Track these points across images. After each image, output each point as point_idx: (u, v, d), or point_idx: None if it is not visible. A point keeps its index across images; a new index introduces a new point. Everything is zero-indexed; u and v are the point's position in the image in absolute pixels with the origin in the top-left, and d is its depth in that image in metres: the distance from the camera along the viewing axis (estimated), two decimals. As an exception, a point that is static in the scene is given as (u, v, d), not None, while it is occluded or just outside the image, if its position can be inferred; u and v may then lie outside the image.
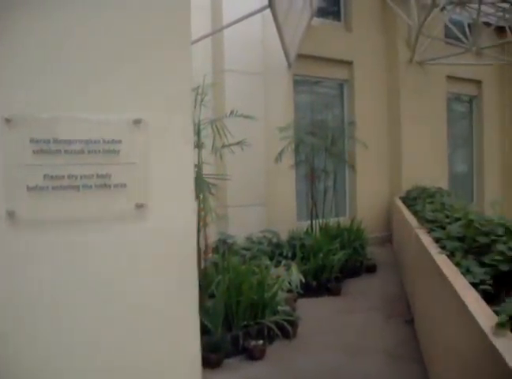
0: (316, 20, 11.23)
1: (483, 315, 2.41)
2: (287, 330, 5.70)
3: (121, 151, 2.26)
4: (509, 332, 2.16)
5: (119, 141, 2.26)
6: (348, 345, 5.69)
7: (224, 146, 6.15)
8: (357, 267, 8.99)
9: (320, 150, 9.54)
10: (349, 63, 11.95)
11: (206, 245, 5.92)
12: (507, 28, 13.69)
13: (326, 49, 11.34)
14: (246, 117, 6.12)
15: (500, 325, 2.14)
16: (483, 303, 2.64)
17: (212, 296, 5.65)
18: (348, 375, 4.88)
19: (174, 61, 2.46)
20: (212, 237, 7.30)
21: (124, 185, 2.28)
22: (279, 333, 5.65)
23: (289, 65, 10.56)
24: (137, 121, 2.29)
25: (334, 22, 12.21)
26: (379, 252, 10.44)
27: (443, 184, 12.80)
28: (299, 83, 11.29)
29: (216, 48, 9.60)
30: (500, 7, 12.79)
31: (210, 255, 6.67)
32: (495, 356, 1.98)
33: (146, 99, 2.35)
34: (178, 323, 2.39)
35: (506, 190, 15.55)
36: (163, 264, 2.37)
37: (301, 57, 10.70)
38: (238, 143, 6.08)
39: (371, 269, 9.24)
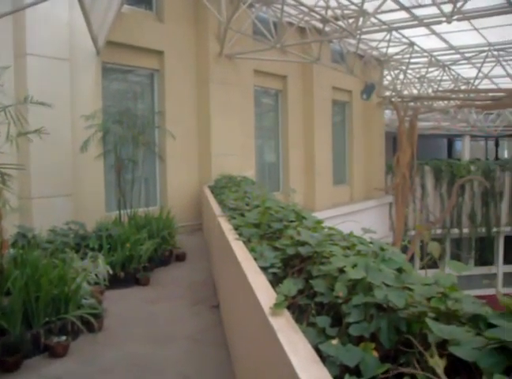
0: (127, 8, 11.02)
1: (267, 297, 2.54)
2: (92, 324, 5.55)
3: None
4: (285, 311, 2.30)
5: None
6: (154, 334, 5.70)
7: (20, 134, 5.79)
8: (166, 256, 9.04)
9: (128, 140, 9.39)
10: (160, 53, 11.90)
11: (2, 240, 5.54)
12: (307, 29, 14.64)
13: (137, 37, 11.19)
14: (42, 104, 5.81)
15: (277, 306, 2.28)
16: (268, 286, 2.79)
17: (9, 294, 5.31)
18: (153, 364, 4.89)
19: None
20: (10, 230, 6.85)
21: None
22: (83, 328, 5.48)
23: (98, 52, 10.24)
24: None
25: (146, 11, 12.06)
26: (190, 240, 10.60)
27: (252, 173, 13.35)
28: (108, 71, 11.01)
29: (17, 30, 9.00)
30: (301, 10, 13.63)
31: (10, 250, 6.27)
32: (272, 334, 2.10)
33: None
34: None
35: (309, 177, 16.67)
36: None
37: (111, 44, 10.43)
38: (35, 131, 5.75)
39: (181, 258, 9.35)
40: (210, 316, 6.22)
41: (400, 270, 2.59)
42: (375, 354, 1.81)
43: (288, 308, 2.46)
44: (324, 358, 1.84)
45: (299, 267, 3.17)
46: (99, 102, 10.17)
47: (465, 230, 24.12)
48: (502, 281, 24.61)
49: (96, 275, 6.92)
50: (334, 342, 1.87)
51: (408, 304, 1.89)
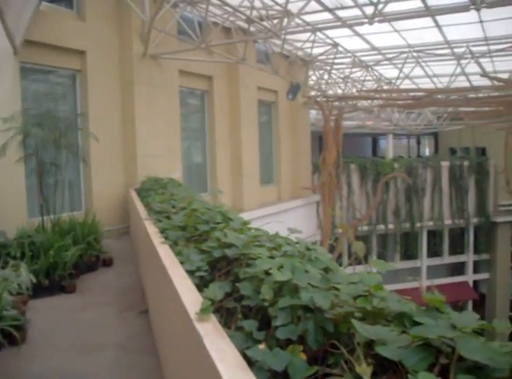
0: (46, 6, 10.64)
1: (193, 302, 2.48)
2: (14, 336, 5.31)
3: None
4: (212, 316, 2.25)
5: None
6: (81, 343, 5.52)
7: None
8: (93, 261, 8.76)
9: (49, 143, 9.04)
10: (82, 53, 11.56)
11: None
12: (233, 30, 14.64)
13: (58, 37, 10.81)
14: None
15: (203, 311, 2.22)
16: (194, 290, 2.73)
17: None
18: (80, 375, 4.73)
19: None
20: None
21: None
22: (4, 341, 5.23)
23: (15, 52, 9.82)
24: None
25: (66, 9, 11.67)
26: (117, 245, 10.37)
27: (178, 175, 13.22)
28: (27, 71, 10.60)
29: None
30: (226, 10, 13.62)
31: None
32: (198, 341, 2.04)
33: None
34: None
35: (236, 178, 16.67)
36: None
37: (30, 43, 10.03)
38: None
39: (108, 263, 9.10)
40: (139, 322, 6.09)
41: (326, 269, 2.60)
42: (303, 356, 1.79)
43: (217, 312, 2.41)
44: (252, 363, 1.81)
45: (226, 269, 3.14)
46: (17, 103, 9.76)
47: (391, 226, 24.82)
48: (426, 274, 25.49)
49: (18, 284, 6.63)
50: (261, 346, 1.83)
51: (334, 304, 1.88)
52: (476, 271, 26.97)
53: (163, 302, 3.94)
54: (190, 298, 2.57)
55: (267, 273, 2.38)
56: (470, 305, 26.20)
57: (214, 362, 1.77)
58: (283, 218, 17.03)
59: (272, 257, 2.66)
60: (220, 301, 2.53)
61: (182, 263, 3.35)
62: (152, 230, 4.74)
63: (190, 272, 3.15)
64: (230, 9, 12.93)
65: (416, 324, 1.64)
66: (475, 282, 27.26)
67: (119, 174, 12.37)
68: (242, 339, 2.07)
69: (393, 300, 1.82)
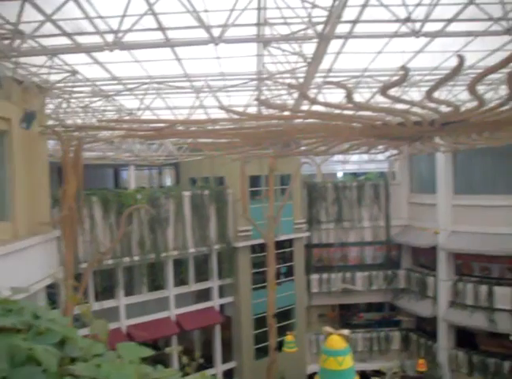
0: None
1: None
2: None
3: None
4: None
5: None
6: None
7: None
8: None
9: None
10: None
11: None
12: None
13: None
14: None
15: None
16: None
17: None
18: None
19: None
20: None
21: None
22: None
23: None
24: None
25: None
26: None
27: None
28: None
29: None
30: None
31: None
32: None
33: None
34: None
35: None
36: None
37: None
38: None
39: None
40: None
41: (63, 341, 2.06)
42: None
43: None
44: None
45: None
46: None
47: (136, 258, 24.44)
48: (175, 303, 25.71)
49: None
50: None
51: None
52: (221, 295, 27.98)
53: None
54: None
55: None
56: (218, 328, 27.15)
57: None
58: (20, 257, 15.62)
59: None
60: None
61: None
62: None
63: None
64: None
65: None
66: (221, 306, 28.26)
67: None
68: None
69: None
